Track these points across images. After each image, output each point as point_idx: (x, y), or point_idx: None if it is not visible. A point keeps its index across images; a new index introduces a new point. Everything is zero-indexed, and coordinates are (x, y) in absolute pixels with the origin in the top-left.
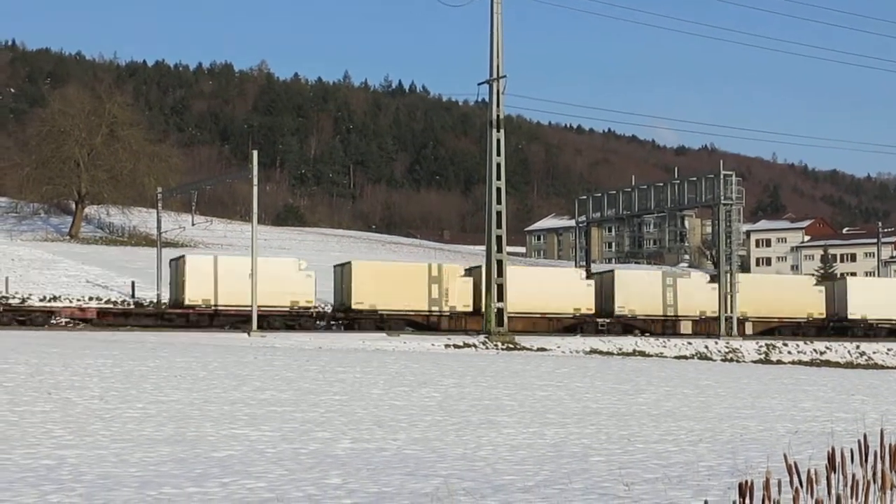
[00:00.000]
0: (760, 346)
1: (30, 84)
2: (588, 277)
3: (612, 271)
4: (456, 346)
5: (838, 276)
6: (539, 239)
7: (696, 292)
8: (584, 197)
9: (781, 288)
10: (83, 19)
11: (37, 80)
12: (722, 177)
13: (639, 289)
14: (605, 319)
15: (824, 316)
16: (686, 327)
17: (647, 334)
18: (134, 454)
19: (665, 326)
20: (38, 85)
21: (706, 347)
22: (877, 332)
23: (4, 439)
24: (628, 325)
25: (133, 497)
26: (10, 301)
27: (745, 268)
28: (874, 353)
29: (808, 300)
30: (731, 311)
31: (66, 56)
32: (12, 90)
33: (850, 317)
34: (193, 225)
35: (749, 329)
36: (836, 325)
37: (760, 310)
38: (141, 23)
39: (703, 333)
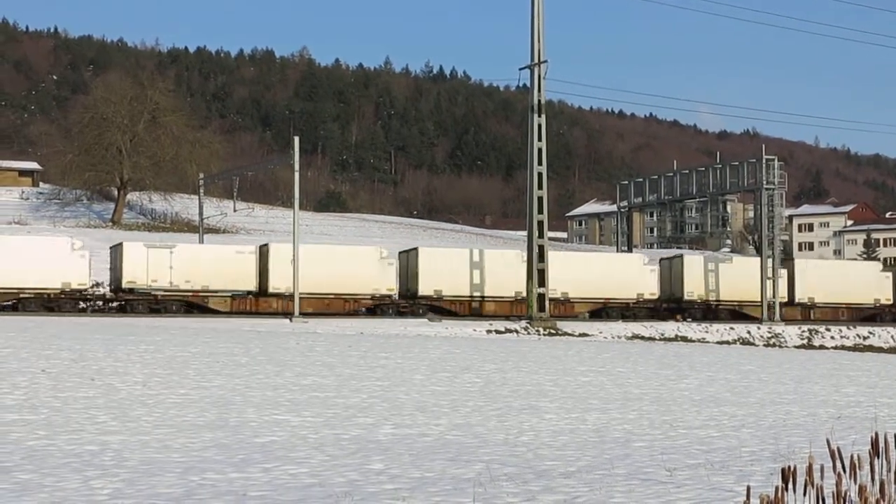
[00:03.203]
0: (803, 332)
1: (72, 71)
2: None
3: None
4: (497, 332)
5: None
6: (581, 224)
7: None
8: (626, 182)
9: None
10: (125, 6)
11: (79, 67)
12: (764, 161)
13: None
14: None
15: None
16: None
17: None
18: (177, 440)
19: None
20: (80, 72)
21: (748, 332)
22: None
23: (48, 425)
24: None
25: (176, 482)
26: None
27: (787, 253)
28: None
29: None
30: (774, 297)
31: (108, 43)
32: (55, 77)
33: None
34: (235, 211)
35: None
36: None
37: None
38: (182, 9)
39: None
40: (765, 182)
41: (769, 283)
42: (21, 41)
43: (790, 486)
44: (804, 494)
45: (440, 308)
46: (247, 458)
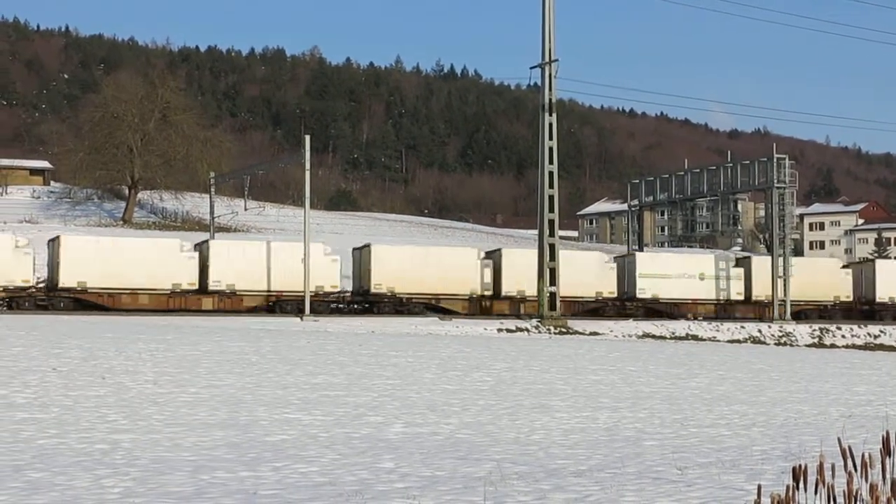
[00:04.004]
0: (814, 330)
1: (83, 70)
2: None
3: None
4: (508, 331)
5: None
6: (591, 223)
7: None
8: (637, 181)
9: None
10: (136, 5)
11: (90, 65)
12: (775, 160)
13: None
14: None
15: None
16: None
17: None
18: (187, 438)
19: None
20: (91, 71)
21: (759, 331)
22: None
23: (59, 423)
24: None
25: (187, 481)
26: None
27: (798, 251)
28: None
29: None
30: (785, 295)
31: (119, 42)
32: (66, 76)
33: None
34: (246, 210)
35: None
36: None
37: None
38: (193, 8)
39: None
40: (776, 181)
41: (780, 282)
42: (32, 40)
43: (801, 484)
44: (815, 493)
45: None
46: (257, 457)
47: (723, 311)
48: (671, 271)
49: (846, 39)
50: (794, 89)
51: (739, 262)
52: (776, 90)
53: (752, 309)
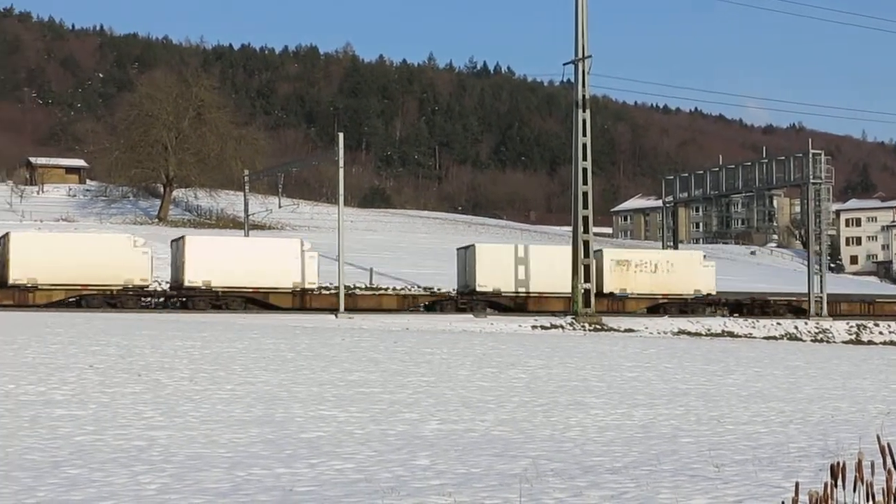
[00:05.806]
0: (851, 327)
1: (118, 69)
2: None
3: None
4: (543, 328)
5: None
6: (626, 219)
7: None
8: (671, 177)
9: None
10: (170, 4)
11: (125, 64)
12: (810, 156)
13: None
14: None
15: None
16: None
17: None
18: (223, 435)
19: None
20: (125, 70)
21: (796, 328)
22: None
23: (96, 420)
24: None
25: (223, 478)
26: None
27: (834, 248)
28: None
29: None
30: (822, 292)
31: (154, 41)
32: (101, 75)
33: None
34: (280, 207)
35: None
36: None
37: None
38: (227, 6)
39: None
40: (811, 177)
41: (816, 279)
42: (67, 39)
43: (839, 482)
44: (854, 491)
45: None
46: (293, 454)
47: None
48: None
49: (881, 34)
50: (829, 84)
51: None
52: (811, 85)
53: (10, 295)
